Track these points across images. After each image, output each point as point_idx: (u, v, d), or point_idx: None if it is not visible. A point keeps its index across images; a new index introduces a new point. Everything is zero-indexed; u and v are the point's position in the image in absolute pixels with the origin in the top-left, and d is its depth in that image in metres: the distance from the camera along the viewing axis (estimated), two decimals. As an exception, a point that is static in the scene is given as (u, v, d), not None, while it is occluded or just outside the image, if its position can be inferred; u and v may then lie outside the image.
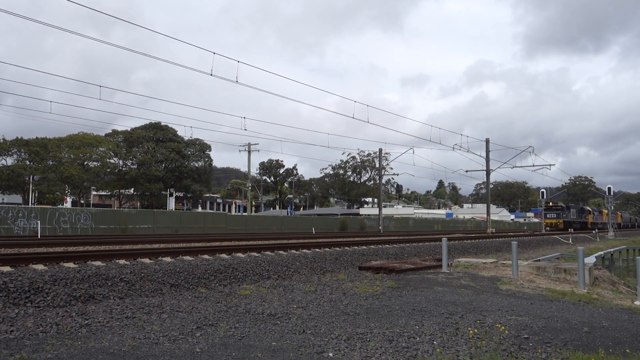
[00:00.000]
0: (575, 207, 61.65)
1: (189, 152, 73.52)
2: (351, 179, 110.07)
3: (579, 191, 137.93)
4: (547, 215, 54.51)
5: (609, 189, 56.41)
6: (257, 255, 13.49)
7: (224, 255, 12.85)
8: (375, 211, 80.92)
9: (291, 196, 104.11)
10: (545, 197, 57.03)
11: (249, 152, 55.98)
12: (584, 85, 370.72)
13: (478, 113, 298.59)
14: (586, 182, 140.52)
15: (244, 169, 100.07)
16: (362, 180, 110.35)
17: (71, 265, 9.76)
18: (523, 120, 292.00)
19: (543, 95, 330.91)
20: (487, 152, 39.40)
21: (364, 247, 18.31)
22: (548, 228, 52.13)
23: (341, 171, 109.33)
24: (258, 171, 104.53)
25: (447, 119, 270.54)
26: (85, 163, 59.67)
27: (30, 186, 55.02)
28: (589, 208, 68.89)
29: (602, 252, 25.01)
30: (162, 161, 67.52)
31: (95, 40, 52.19)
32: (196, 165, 74.57)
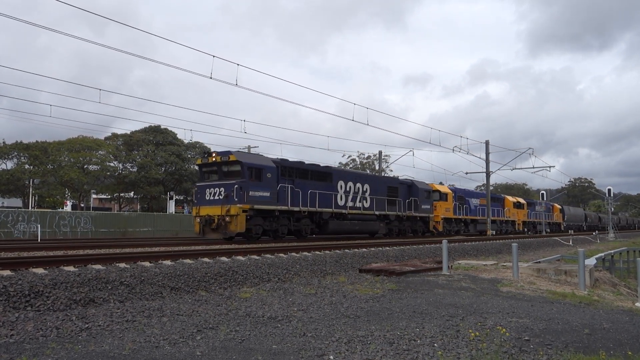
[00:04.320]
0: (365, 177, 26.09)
1: (189, 155, 73.56)
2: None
3: (579, 192, 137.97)
4: (207, 196, 19.46)
5: (609, 190, 56.51)
6: (257, 258, 13.47)
7: (224, 258, 12.84)
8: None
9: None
10: (545, 198, 56.93)
11: (249, 154, 55.97)
12: (588, 85, 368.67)
13: (480, 113, 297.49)
14: (586, 184, 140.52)
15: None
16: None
17: (71, 268, 9.74)
18: (525, 121, 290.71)
19: (546, 95, 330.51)
20: (487, 154, 39.42)
21: (364, 249, 18.29)
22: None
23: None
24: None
25: (448, 119, 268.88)
26: (85, 166, 59.69)
27: (30, 190, 55.04)
28: (439, 189, 33.62)
29: (602, 254, 25.06)
30: (162, 164, 67.54)
31: (90, 43, 52.54)
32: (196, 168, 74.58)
